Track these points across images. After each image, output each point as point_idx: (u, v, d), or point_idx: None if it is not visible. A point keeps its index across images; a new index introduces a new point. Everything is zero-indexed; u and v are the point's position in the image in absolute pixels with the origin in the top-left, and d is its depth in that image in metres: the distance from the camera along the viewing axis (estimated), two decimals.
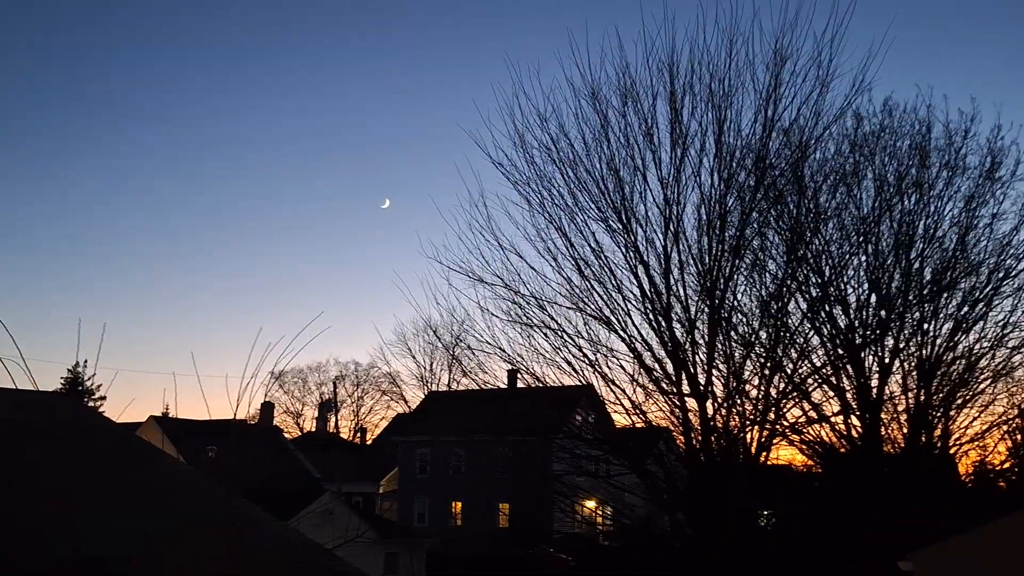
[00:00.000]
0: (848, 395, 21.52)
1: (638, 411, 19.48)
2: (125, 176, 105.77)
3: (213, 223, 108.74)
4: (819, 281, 21.43)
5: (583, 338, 19.86)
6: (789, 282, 20.36)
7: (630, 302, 19.63)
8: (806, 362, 20.48)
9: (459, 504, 50.89)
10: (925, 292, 21.98)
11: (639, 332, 19.55)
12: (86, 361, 36.03)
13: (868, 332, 21.70)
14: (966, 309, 22.05)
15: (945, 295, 22.01)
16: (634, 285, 19.59)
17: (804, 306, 21.06)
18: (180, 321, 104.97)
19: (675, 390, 19.37)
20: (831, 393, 21.28)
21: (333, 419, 74.31)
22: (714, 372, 19.30)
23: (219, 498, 7.84)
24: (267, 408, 57.22)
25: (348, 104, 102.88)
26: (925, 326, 22.06)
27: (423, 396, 60.86)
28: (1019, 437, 23.17)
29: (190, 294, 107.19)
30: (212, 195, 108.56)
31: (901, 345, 21.88)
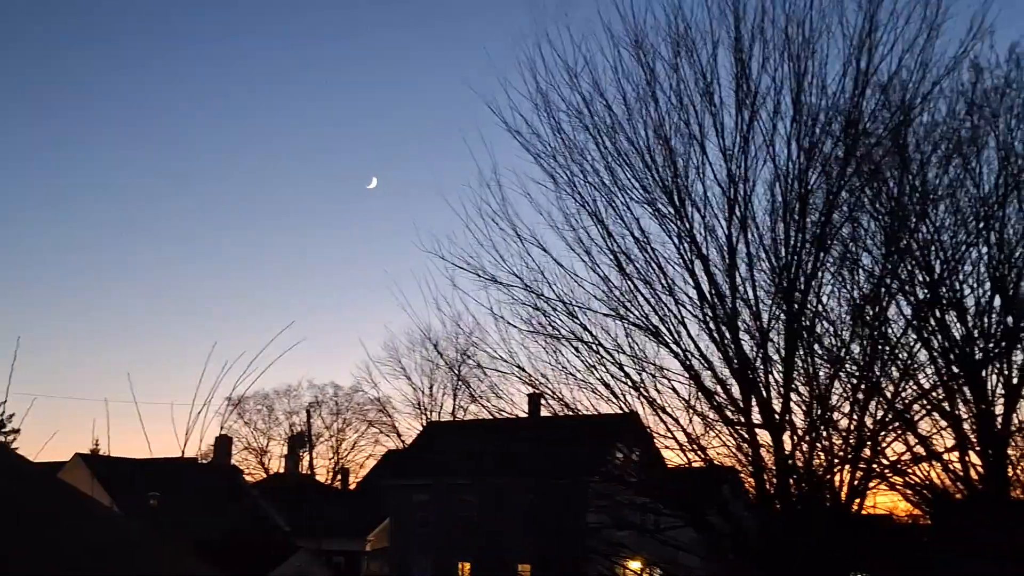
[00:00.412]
0: (965, 426, 21.24)
1: (695, 447, 19.31)
2: (38, 155, 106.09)
3: (154, 211, 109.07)
4: (927, 280, 21.19)
5: (624, 353, 19.69)
6: (889, 280, 20.13)
7: (684, 307, 19.50)
8: (911, 384, 20.25)
9: (467, 566, 50.92)
10: None
11: (696, 346, 19.36)
12: None
13: (991, 344, 21.39)
14: None
15: None
16: (689, 285, 19.46)
17: (908, 312, 20.86)
18: (114, 336, 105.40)
19: (743, 420, 19.21)
20: (943, 423, 20.94)
21: (307, 457, 74.44)
22: (793, 397, 19.08)
23: (165, 558, 7.71)
24: (223, 443, 57.43)
25: (321, 60, 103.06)
26: None
27: (421, 428, 61.13)
28: None
29: (128, 302, 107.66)
30: (151, 173, 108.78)
31: None
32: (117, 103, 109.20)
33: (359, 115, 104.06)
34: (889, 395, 19.83)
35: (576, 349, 19.88)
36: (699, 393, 19.36)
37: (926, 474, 21.27)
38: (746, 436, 19.21)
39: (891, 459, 20.24)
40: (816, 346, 19.51)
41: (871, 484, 20.04)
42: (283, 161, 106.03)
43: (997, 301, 21.74)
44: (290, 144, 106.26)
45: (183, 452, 7.46)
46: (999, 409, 21.37)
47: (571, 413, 20.16)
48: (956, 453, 21.23)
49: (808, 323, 19.37)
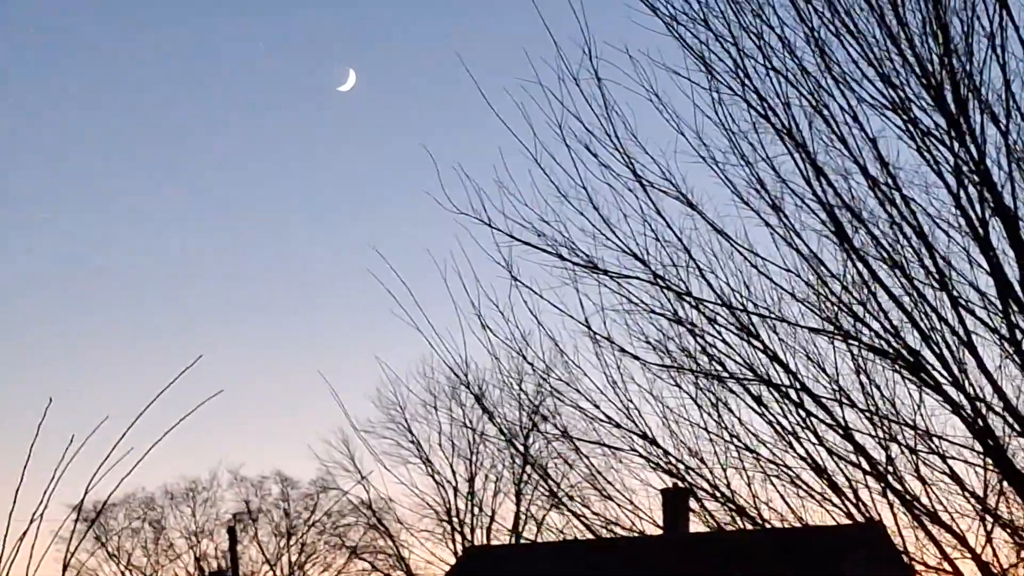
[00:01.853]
0: None
1: None
2: None
3: None
4: None
5: (851, 405, 14.03)
6: None
7: (971, 313, 13.36)
8: None
9: None
10: None
11: (998, 390, 13.62)
12: None
13: None
14: None
15: None
16: (980, 270, 13.50)
17: None
18: None
19: None
20: None
21: None
22: None
23: None
24: None
25: None
26: None
27: (454, 557, 43.36)
28: None
29: None
30: None
31: None
32: None
33: None
34: None
35: (757, 399, 14.26)
36: (1004, 481, 14.13)
37: None
38: None
39: None
40: None
41: None
42: (189, 38, 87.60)
43: None
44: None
45: None
46: None
47: (750, 524, 15.74)
48: None
49: None
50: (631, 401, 14.68)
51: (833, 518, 15.09)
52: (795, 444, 14.08)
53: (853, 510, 14.82)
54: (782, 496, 15.20)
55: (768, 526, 15.85)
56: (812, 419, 13.84)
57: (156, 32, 76.97)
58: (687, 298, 13.75)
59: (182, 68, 74.40)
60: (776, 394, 13.91)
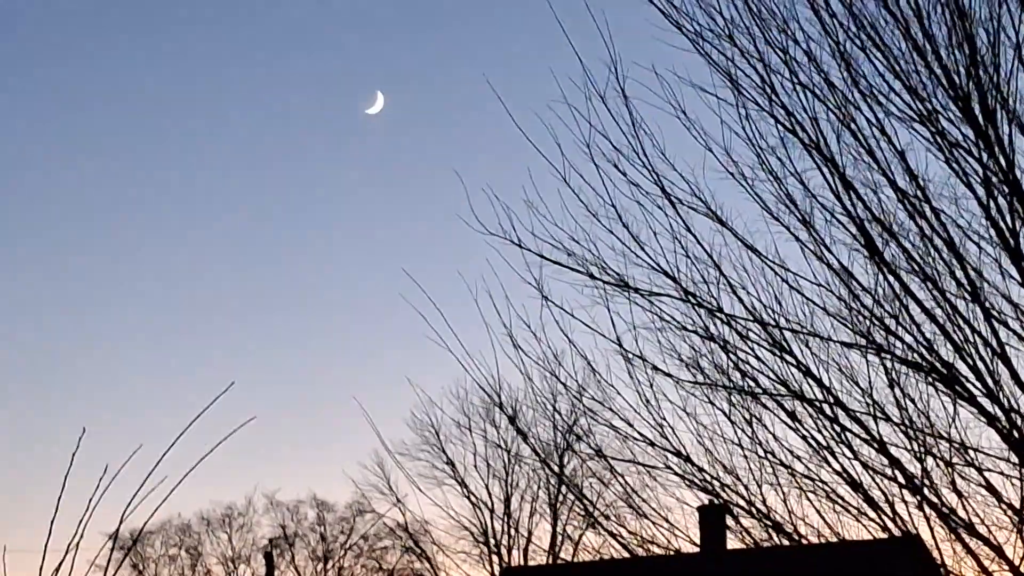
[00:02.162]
0: None
1: None
2: None
3: None
4: None
5: (886, 419, 13.65)
6: None
7: (1003, 324, 13.02)
8: None
9: None
10: None
11: None
12: None
13: None
14: None
15: None
16: (1013, 281, 13.09)
17: None
18: None
19: None
20: None
21: None
22: None
23: None
24: None
25: None
26: None
27: (494, 575, 42.27)
28: None
29: None
30: None
31: None
32: None
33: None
34: None
35: (791, 414, 13.92)
36: None
37: None
38: None
39: None
40: None
41: None
42: (220, 77, 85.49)
43: None
44: (218, 43, 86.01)
45: None
46: None
47: (786, 540, 14.98)
48: None
49: None
50: (664, 419, 14.31)
51: (870, 533, 14.41)
52: (830, 459, 13.68)
53: (890, 524, 13.99)
54: (818, 511, 14.49)
55: (805, 542, 15.09)
56: (847, 433, 13.48)
57: (186, 60, 77.09)
58: (718, 314, 13.47)
59: (210, 94, 74.41)
60: (810, 409, 13.60)
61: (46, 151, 75.71)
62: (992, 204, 12.62)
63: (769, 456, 14.04)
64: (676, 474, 14.41)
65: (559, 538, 41.75)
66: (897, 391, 13.46)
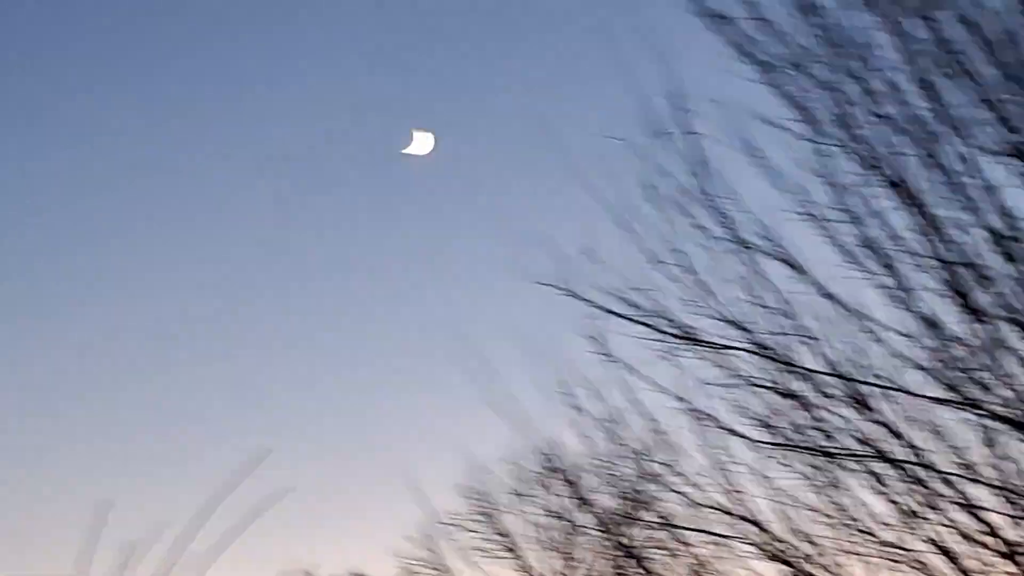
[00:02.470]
0: None
1: None
2: None
3: None
4: None
5: (974, 479, 12.99)
6: None
7: None
8: None
9: None
10: None
11: None
12: None
13: None
14: None
15: None
16: None
17: None
18: None
19: None
20: None
21: None
22: None
23: None
24: None
25: None
26: None
27: None
28: None
29: None
30: None
31: None
32: None
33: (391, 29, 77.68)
34: None
35: (875, 476, 13.16)
36: None
37: None
38: None
39: None
40: None
41: None
42: (250, 118, 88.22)
43: None
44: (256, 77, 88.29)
45: None
46: None
47: None
48: None
49: None
50: (737, 484, 13.80)
51: None
52: (919, 526, 12.89)
53: None
54: None
55: None
56: (937, 497, 12.64)
57: (228, 92, 77.55)
58: (795, 369, 12.79)
59: (249, 131, 75.15)
60: (897, 471, 12.84)
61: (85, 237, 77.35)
62: None
63: (852, 523, 13.23)
64: (750, 544, 13.69)
65: None
66: (992, 450, 12.56)
